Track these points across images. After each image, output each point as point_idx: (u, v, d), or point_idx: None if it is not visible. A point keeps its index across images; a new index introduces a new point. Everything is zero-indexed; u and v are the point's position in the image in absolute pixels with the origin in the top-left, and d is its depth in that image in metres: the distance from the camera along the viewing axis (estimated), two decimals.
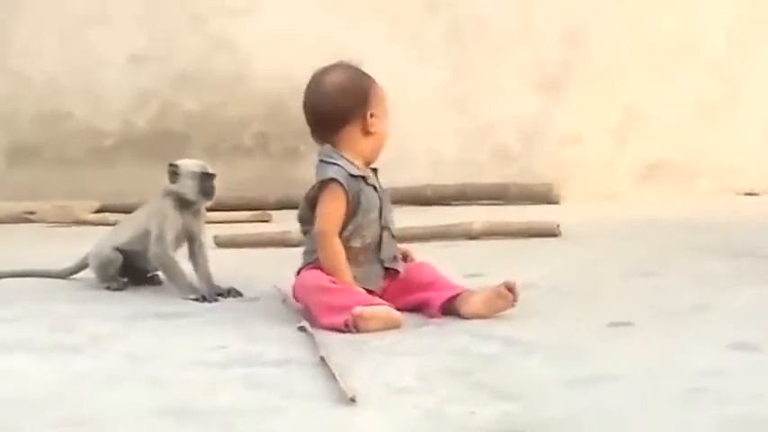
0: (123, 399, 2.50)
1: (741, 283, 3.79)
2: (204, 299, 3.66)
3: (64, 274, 4.18)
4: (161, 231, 3.79)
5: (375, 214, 3.38)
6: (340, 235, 3.33)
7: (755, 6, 6.80)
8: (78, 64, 7.04)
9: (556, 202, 6.49)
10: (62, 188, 6.85)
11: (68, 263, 4.18)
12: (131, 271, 3.98)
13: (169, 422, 2.31)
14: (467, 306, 3.25)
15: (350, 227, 3.35)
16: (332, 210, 3.33)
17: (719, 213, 5.80)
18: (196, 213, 3.88)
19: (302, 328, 3.10)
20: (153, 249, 3.81)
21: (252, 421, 2.30)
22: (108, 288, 3.92)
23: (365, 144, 3.40)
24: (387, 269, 3.41)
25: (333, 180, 3.31)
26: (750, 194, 6.80)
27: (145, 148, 6.84)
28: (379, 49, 6.43)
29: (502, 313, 3.24)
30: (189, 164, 3.86)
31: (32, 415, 2.37)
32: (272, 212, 5.97)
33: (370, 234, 3.38)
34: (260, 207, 6.17)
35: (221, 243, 4.92)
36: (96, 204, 6.38)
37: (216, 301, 3.66)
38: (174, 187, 3.83)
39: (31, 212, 6.35)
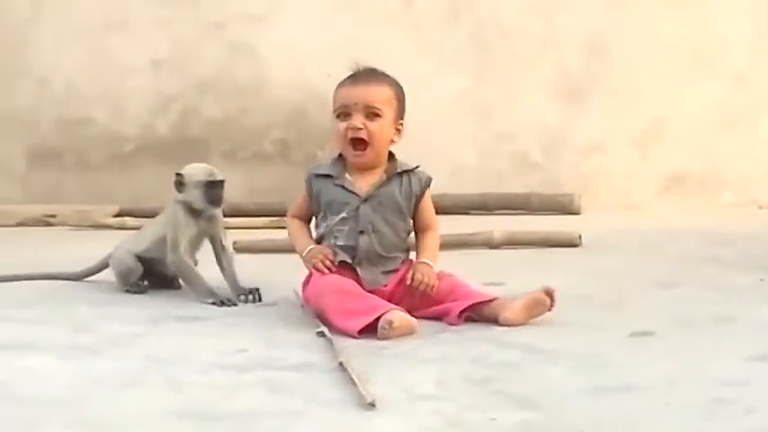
0: (142, 401, 2.49)
1: (763, 295, 3.77)
2: (222, 303, 3.65)
3: (80, 276, 4.17)
4: (175, 239, 3.80)
5: (345, 215, 3.40)
6: (316, 233, 3.51)
7: None
8: (100, 69, 7.05)
9: (577, 213, 6.45)
10: (83, 192, 6.87)
11: (87, 266, 4.18)
12: (152, 275, 3.98)
13: (188, 425, 2.30)
14: (507, 313, 3.23)
15: (322, 224, 3.48)
16: (296, 199, 3.60)
17: (742, 226, 5.77)
18: (211, 218, 3.87)
19: (321, 333, 3.09)
20: (169, 256, 3.81)
21: (272, 425, 2.29)
22: (128, 291, 3.92)
23: None
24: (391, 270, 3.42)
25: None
26: None
27: (165, 154, 6.84)
28: (400, 56, 6.42)
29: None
30: (195, 172, 3.84)
31: (51, 415, 2.37)
32: None
33: (343, 236, 3.40)
34: (279, 213, 6.15)
35: (240, 248, 4.92)
36: (116, 209, 6.39)
37: (234, 305, 3.65)
38: (182, 196, 3.83)
39: (52, 216, 6.37)
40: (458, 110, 6.87)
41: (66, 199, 6.74)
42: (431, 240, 3.49)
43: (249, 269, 4.36)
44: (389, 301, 3.29)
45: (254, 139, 7.00)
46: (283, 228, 5.72)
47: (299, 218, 3.57)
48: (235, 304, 3.66)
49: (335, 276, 3.32)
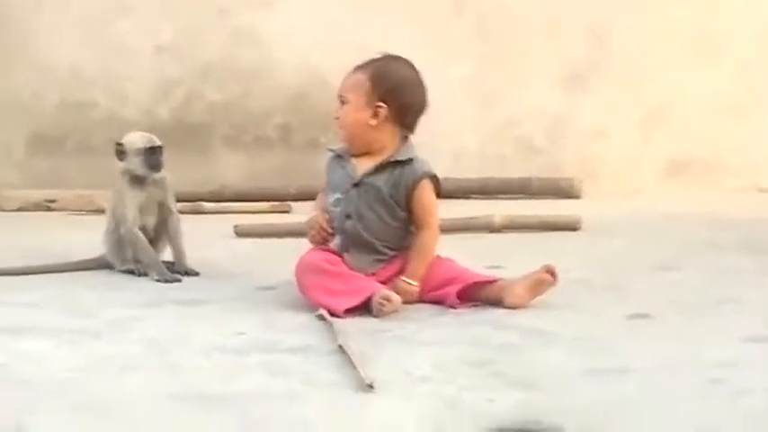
0: (141, 384, 2.50)
1: (762, 278, 3.78)
2: (167, 281, 3.76)
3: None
4: (122, 211, 3.90)
5: (338, 197, 3.41)
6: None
7: None
8: (103, 54, 7.04)
9: (577, 197, 6.45)
10: (84, 177, 6.86)
11: (88, 251, 4.18)
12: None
13: (187, 408, 2.31)
14: (512, 297, 3.23)
15: (327, 202, 3.49)
16: None
17: (743, 210, 5.77)
18: (157, 182, 3.96)
19: (320, 317, 3.10)
20: (121, 230, 3.91)
21: (270, 407, 2.30)
22: (126, 271, 3.95)
23: None
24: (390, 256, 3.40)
25: None
26: None
27: (168, 139, 6.67)
28: (404, 42, 6.38)
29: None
30: (134, 140, 3.95)
31: (50, 399, 2.37)
32: (291, 203, 5.97)
33: (334, 217, 3.41)
34: (281, 198, 6.17)
35: (241, 232, 4.92)
36: None
37: (178, 281, 3.76)
38: (124, 165, 3.92)
39: (52, 201, 6.38)
40: (461, 96, 6.86)
41: (68, 184, 6.73)
42: (420, 247, 3.38)
43: (249, 253, 4.38)
44: None
45: (256, 123, 7.00)
46: (284, 212, 5.82)
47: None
48: (179, 280, 3.76)
49: (320, 254, 3.35)
